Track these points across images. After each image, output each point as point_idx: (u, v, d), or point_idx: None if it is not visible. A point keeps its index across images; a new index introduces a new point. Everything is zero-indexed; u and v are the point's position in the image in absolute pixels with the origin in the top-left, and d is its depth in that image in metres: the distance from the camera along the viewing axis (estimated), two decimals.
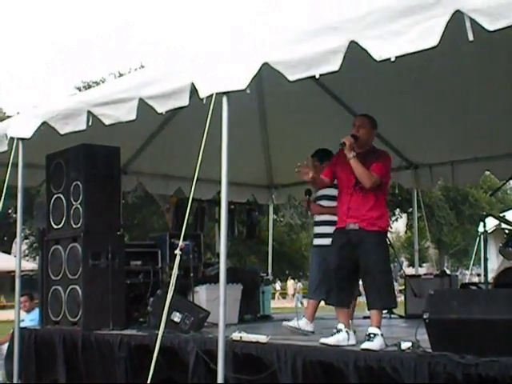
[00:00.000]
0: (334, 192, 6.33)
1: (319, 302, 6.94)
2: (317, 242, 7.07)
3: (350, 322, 6.50)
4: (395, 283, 12.96)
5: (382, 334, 5.24)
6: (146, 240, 10.21)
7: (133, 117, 6.13)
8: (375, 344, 5.09)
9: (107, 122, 6.39)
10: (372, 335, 5.19)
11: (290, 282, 37.44)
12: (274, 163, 10.93)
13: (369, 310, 5.51)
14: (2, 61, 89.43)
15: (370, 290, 5.48)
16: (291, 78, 4.95)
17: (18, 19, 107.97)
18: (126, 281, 8.06)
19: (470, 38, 4.00)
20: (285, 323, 6.83)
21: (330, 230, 6.25)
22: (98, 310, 7.44)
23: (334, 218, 6.03)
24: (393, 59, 4.35)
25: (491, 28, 3.92)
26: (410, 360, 4.53)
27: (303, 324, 6.70)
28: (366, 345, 5.09)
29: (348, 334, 5.39)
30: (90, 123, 6.50)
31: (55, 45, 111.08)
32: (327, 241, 6.27)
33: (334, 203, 6.31)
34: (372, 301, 5.48)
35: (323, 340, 5.34)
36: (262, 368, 5.42)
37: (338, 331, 5.42)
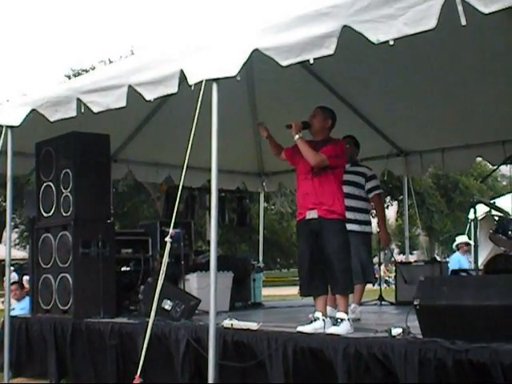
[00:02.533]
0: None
1: (365, 284, 7.07)
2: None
3: (355, 308, 6.56)
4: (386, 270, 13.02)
5: (348, 319, 5.38)
6: (136, 228, 10.19)
7: (122, 104, 6.09)
8: (341, 329, 5.25)
9: (96, 109, 6.34)
10: (339, 320, 5.34)
11: None
12: (264, 150, 10.90)
13: (333, 295, 5.69)
14: None
15: (330, 276, 5.65)
16: (284, 63, 4.91)
17: (7, 7, 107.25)
18: (117, 269, 8.05)
19: (463, 22, 3.96)
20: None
21: (352, 215, 6.65)
22: (88, 298, 7.43)
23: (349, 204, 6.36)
24: (391, 42, 4.33)
25: (486, 11, 3.89)
26: (401, 346, 4.53)
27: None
28: (332, 329, 5.26)
29: (324, 321, 5.49)
30: (82, 110, 6.46)
31: (45, 32, 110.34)
32: (351, 226, 6.45)
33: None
34: (332, 287, 5.69)
35: (300, 328, 5.42)
36: (253, 355, 5.43)
37: (315, 319, 5.52)
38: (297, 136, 5.74)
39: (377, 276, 9.73)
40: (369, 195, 7.36)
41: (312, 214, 5.70)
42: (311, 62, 4.78)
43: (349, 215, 6.69)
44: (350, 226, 6.71)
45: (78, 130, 7.61)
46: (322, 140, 5.87)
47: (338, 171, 5.88)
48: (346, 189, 6.97)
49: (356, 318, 6.50)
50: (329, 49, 4.64)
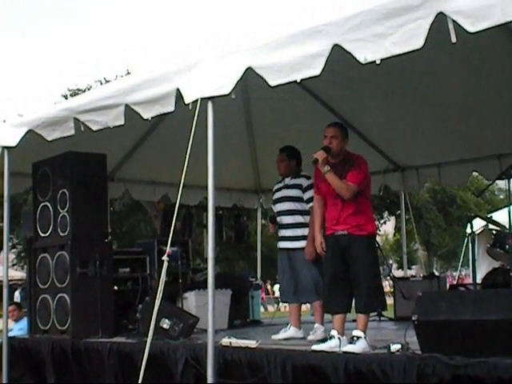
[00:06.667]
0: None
1: (301, 304, 6.98)
2: (282, 244, 7.01)
3: (319, 328, 6.54)
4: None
5: (365, 337, 5.29)
6: (134, 247, 10.16)
7: (121, 122, 6.11)
8: (357, 347, 5.15)
9: (95, 127, 6.37)
10: (355, 338, 5.25)
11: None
12: (261, 167, 10.92)
13: (356, 313, 5.53)
14: None
15: (358, 294, 5.52)
16: (272, 83, 4.97)
17: (3, 28, 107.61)
18: (115, 288, 8.02)
19: (453, 39, 4.02)
20: (274, 337, 6.71)
21: (292, 232, 6.71)
22: (86, 318, 7.41)
23: (296, 220, 6.67)
24: (378, 62, 4.37)
25: (472, 30, 3.95)
26: (400, 362, 4.52)
27: (292, 333, 6.68)
28: (348, 347, 5.15)
29: (340, 340, 5.40)
30: (82, 129, 6.46)
31: (41, 53, 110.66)
32: (295, 244, 6.65)
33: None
34: (358, 305, 5.54)
35: (315, 347, 5.36)
36: (251, 373, 5.41)
37: (331, 337, 5.45)
38: (326, 169, 5.57)
39: None
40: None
41: (341, 232, 5.60)
42: (298, 81, 4.82)
43: (291, 232, 6.69)
44: (293, 244, 6.69)
45: (74, 150, 7.62)
46: (343, 161, 5.72)
47: (367, 190, 5.81)
48: (285, 205, 6.90)
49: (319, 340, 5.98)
50: (316, 69, 4.67)
